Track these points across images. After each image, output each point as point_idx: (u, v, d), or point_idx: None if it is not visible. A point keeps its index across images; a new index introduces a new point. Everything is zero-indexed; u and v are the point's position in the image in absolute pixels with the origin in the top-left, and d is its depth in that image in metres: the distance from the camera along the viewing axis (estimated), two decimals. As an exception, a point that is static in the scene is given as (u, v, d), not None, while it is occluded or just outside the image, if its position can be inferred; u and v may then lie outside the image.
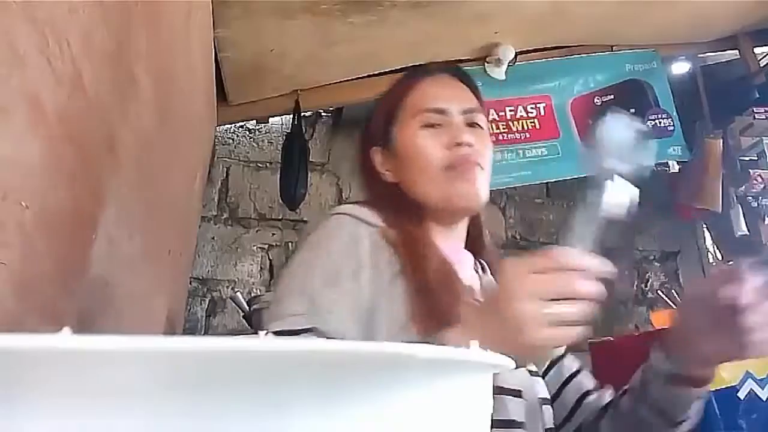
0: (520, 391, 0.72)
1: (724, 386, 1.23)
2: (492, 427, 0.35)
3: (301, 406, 0.25)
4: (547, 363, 0.84)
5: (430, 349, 0.25)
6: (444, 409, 0.30)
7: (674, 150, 2.27)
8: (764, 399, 1.23)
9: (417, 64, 2.16)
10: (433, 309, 0.69)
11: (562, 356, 0.87)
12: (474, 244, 0.87)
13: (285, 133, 2.24)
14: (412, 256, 0.73)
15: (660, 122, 2.26)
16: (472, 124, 0.83)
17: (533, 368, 0.79)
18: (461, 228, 0.85)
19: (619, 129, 0.60)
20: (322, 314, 0.67)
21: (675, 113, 2.28)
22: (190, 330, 2.12)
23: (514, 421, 0.70)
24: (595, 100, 2.29)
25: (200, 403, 0.24)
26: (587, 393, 0.85)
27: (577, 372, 0.87)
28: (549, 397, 0.80)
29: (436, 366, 0.28)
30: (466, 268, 0.82)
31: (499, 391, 0.69)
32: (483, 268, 0.87)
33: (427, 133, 0.81)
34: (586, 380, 0.87)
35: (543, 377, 0.82)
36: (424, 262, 0.73)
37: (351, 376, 0.26)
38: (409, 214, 0.80)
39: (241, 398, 0.24)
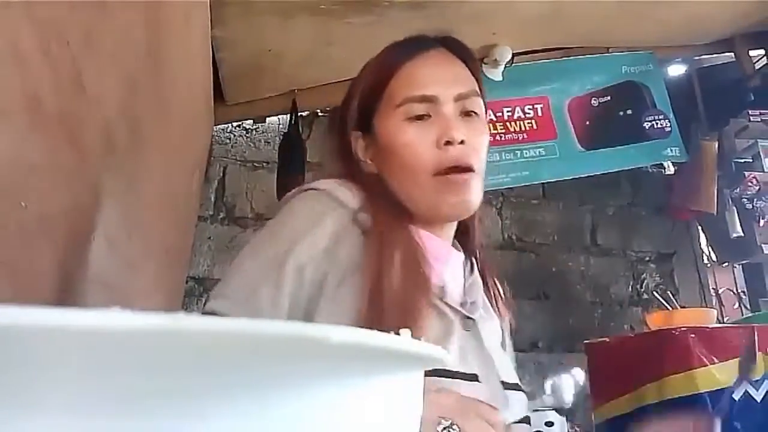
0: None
1: (719, 388, 1.24)
2: None
3: (172, 399, 0.21)
4: None
5: (347, 332, 0.22)
6: (364, 410, 0.26)
7: (672, 151, 2.28)
8: (759, 400, 1.24)
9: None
10: (388, 315, 0.61)
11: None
12: (465, 241, 0.79)
13: (282, 133, 2.24)
14: (384, 250, 0.65)
15: (657, 123, 2.27)
16: (466, 113, 0.72)
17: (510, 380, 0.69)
18: (449, 227, 0.76)
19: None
20: (249, 305, 0.62)
21: (672, 114, 2.29)
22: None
23: None
24: (593, 101, 2.29)
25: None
26: None
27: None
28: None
29: (357, 356, 0.24)
30: (451, 268, 0.74)
31: None
32: (471, 268, 0.78)
33: (413, 128, 0.70)
34: None
35: None
36: (395, 258, 0.65)
37: (252, 364, 0.22)
38: (391, 207, 0.70)
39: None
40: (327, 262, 0.64)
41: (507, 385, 0.69)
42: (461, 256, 0.77)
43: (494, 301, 0.78)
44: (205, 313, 0.63)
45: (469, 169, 0.69)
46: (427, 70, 0.73)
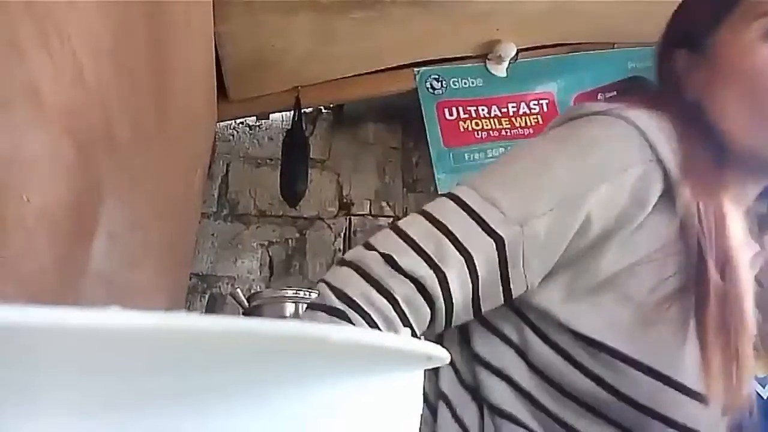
0: None
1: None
2: None
3: (169, 398, 0.21)
4: None
5: (347, 331, 0.22)
6: (364, 409, 0.26)
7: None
8: (765, 397, 1.23)
9: (418, 60, 2.18)
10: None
11: None
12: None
13: (285, 130, 2.24)
14: (713, 235, 0.53)
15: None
16: None
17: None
18: (751, 197, 0.61)
19: None
20: (522, 226, 0.51)
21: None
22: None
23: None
24: (599, 96, 2.28)
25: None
26: None
27: None
28: None
29: (357, 355, 0.24)
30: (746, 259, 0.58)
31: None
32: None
33: None
34: None
35: None
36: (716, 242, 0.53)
37: (252, 363, 0.22)
38: (707, 152, 0.56)
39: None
40: (615, 225, 0.53)
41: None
42: (752, 241, 0.63)
43: None
44: (449, 195, 0.55)
45: None
46: None
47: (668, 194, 0.53)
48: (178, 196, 1.42)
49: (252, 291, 2.13)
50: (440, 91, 2.19)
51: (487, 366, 0.58)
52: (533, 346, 0.56)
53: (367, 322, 0.48)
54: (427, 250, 0.52)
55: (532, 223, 0.52)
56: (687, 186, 0.53)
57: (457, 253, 0.51)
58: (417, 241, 0.52)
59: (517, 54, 2.19)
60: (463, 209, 0.53)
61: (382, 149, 2.53)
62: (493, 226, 0.52)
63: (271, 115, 2.42)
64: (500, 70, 2.21)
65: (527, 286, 0.54)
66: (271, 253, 2.34)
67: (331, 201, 2.43)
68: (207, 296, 2.25)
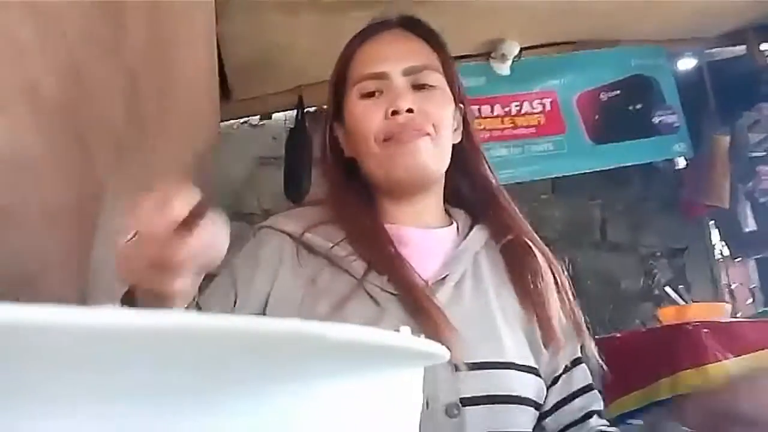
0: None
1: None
2: None
3: (179, 398, 0.21)
4: (557, 373, 0.75)
5: (345, 329, 0.22)
6: (364, 406, 0.26)
7: (680, 147, 2.26)
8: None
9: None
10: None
11: (575, 365, 0.77)
12: (484, 215, 0.80)
13: (288, 129, 2.23)
14: (359, 235, 0.72)
15: (666, 119, 2.25)
16: (419, 86, 0.74)
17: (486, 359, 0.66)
18: (426, 203, 0.77)
19: None
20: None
21: (681, 109, 2.26)
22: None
23: None
24: (601, 95, 2.27)
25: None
26: (591, 414, 0.78)
27: (587, 388, 0.79)
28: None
29: (355, 353, 0.24)
30: (430, 249, 0.75)
31: None
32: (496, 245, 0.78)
33: (366, 103, 0.74)
34: (595, 401, 0.79)
35: (550, 386, 0.74)
36: (370, 240, 0.72)
37: (251, 361, 0.22)
38: (357, 192, 0.77)
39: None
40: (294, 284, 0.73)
41: (495, 365, 0.67)
42: (447, 234, 0.78)
43: (523, 285, 0.77)
44: None
45: (418, 133, 0.72)
46: (377, 48, 0.78)
47: (301, 246, 0.73)
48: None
49: (256, 291, 2.13)
50: (443, 90, 2.19)
51: None
52: None
53: None
54: None
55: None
56: (341, 222, 0.74)
57: None
58: None
59: (520, 52, 2.19)
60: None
61: (385, 148, 2.53)
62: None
63: (274, 115, 2.42)
64: (503, 69, 2.20)
65: None
66: (275, 253, 2.34)
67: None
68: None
